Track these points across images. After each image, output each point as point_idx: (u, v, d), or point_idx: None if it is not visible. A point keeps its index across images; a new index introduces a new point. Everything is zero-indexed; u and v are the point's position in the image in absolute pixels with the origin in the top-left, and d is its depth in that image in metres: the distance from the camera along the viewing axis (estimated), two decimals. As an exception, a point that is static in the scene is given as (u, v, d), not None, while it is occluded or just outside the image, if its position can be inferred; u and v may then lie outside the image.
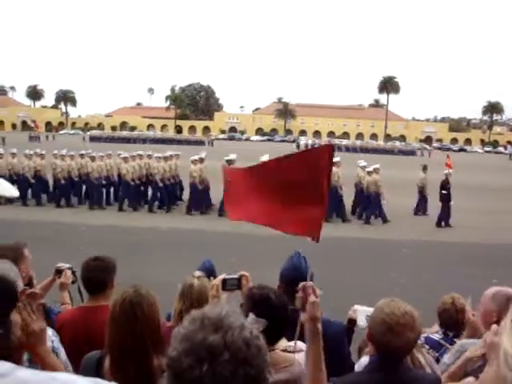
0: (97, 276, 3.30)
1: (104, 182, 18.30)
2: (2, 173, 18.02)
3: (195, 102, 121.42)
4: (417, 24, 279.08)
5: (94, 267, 3.31)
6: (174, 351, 1.13)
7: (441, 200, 16.91)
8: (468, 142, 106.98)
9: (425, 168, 18.94)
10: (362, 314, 3.54)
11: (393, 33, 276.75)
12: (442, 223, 16.63)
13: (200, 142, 72.87)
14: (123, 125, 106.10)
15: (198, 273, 3.39)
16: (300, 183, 2.70)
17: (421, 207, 18.70)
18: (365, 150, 70.64)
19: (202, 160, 17.91)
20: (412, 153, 71.64)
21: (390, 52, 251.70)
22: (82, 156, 19.15)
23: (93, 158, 18.34)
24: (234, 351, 1.11)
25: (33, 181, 18.36)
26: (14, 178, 18.18)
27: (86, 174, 18.51)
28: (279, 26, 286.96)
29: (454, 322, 3.69)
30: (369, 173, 17.47)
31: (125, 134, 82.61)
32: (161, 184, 17.95)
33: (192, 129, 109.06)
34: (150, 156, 19.34)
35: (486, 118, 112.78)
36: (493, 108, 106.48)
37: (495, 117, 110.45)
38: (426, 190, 18.52)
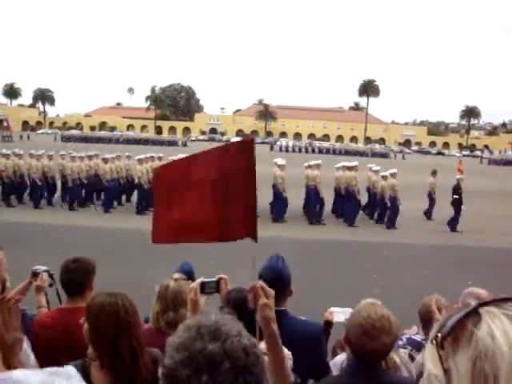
0: (76, 278, 3.27)
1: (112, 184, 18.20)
2: (7, 173, 17.87)
3: (175, 103, 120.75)
4: (397, 29, 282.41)
5: (74, 269, 3.29)
6: (171, 360, 1.10)
7: (452, 204, 17.16)
8: (446, 145, 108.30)
9: (434, 173, 19.16)
10: (340, 314, 3.60)
11: (373, 37, 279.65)
12: (449, 228, 16.92)
13: (173, 143, 72.75)
14: (102, 125, 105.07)
15: (176, 275, 3.41)
16: (227, 182, 2.70)
17: (428, 210, 18.95)
18: (338, 151, 71.59)
19: (149, 159, 18.08)
20: (386, 155, 72.24)
21: (371, 56, 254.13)
22: (90, 158, 18.97)
23: (105, 160, 18.23)
24: (234, 360, 1.08)
25: (40, 183, 18.07)
26: (18, 180, 18.08)
27: (92, 175, 18.43)
28: (260, 28, 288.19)
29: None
30: (383, 177, 17.64)
31: (99, 134, 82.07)
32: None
33: (172, 130, 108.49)
34: (160, 158, 19.29)
35: (463, 122, 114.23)
36: (470, 112, 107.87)
37: (473, 121, 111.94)
38: (434, 194, 18.75)
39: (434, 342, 0.92)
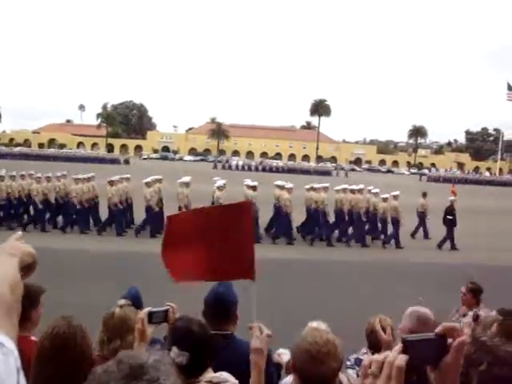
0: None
1: (121, 207, 17.74)
2: (0, 196, 17.28)
3: (127, 121, 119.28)
4: (348, 50, 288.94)
5: None
6: None
7: (445, 224, 17.85)
8: (395, 163, 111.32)
9: (424, 194, 19.90)
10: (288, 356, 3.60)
11: (324, 57, 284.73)
12: (444, 245, 17.52)
13: (115, 161, 72.20)
14: (51, 142, 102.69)
15: (122, 301, 3.28)
16: (228, 232, 3.21)
17: (418, 230, 19.54)
18: (281, 169, 72.69)
19: (157, 181, 18.00)
20: (327, 173, 72.90)
21: (322, 76, 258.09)
22: (88, 179, 18.40)
23: (111, 183, 17.66)
24: None
25: (40, 206, 17.54)
26: (15, 203, 17.56)
27: (91, 198, 18.00)
28: (212, 46, 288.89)
29: (381, 343, 3.79)
30: (384, 199, 17.91)
31: (37, 151, 79.31)
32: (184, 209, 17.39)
33: (124, 147, 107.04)
34: (160, 181, 18.79)
35: (411, 141, 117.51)
36: (418, 132, 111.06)
37: (420, 140, 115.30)
38: (426, 215, 19.45)
39: None
